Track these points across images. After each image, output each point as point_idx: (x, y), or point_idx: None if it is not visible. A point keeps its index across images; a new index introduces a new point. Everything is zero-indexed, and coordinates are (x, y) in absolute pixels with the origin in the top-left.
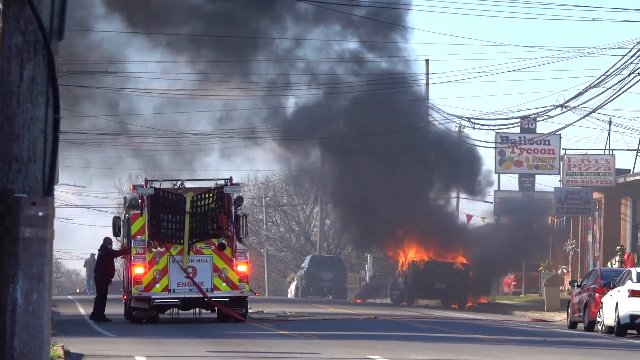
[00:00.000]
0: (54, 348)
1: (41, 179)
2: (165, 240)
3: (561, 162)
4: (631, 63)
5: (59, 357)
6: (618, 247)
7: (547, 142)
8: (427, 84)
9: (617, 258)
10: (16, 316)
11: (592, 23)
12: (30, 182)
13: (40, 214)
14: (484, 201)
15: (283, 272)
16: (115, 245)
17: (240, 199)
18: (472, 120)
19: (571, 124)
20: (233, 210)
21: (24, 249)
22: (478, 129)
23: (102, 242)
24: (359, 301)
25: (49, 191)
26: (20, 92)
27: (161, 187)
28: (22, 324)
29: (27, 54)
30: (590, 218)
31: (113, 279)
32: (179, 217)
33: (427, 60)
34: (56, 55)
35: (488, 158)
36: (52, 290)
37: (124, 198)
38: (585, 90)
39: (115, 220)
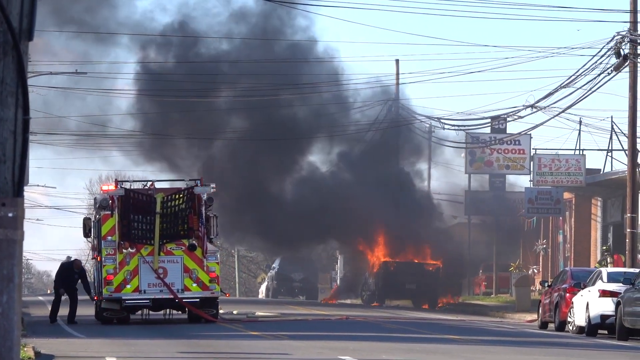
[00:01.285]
0: (25, 349)
1: (11, 179)
2: (136, 241)
3: (531, 162)
4: (601, 63)
5: (29, 358)
6: (605, 247)
7: (517, 142)
8: (397, 84)
9: (609, 260)
10: None
11: (561, 23)
12: (0, 183)
13: (10, 215)
14: (457, 202)
15: (254, 272)
16: (86, 246)
17: (210, 200)
18: (442, 120)
19: (541, 124)
20: (203, 211)
21: None
22: (448, 129)
23: (74, 259)
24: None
25: (18, 192)
26: None
27: (131, 187)
28: None
29: None
30: (560, 218)
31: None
32: (150, 217)
33: (397, 61)
34: (26, 56)
35: (458, 158)
36: (22, 291)
37: (95, 199)
38: (556, 90)
39: (86, 221)
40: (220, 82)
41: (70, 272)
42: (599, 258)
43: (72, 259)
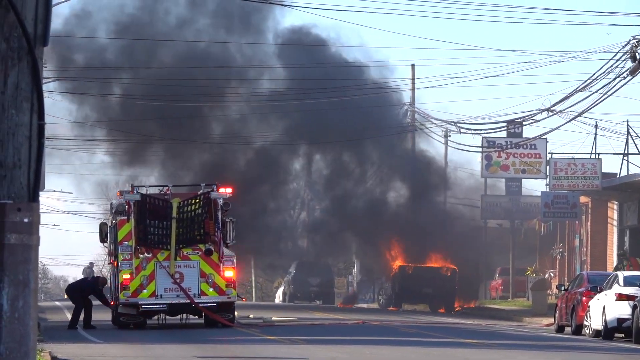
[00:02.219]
0: (42, 354)
1: (26, 185)
2: (152, 246)
3: (547, 166)
4: (616, 67)
5: None
6: (621, 252)
7: (533, 147)
8: (413, 88)
9: (624, 263)
10: (2, 322)
11: (576, 27)
12: (16, 188)
13: (26, 220)
14: (473, 206)
15: (271, 277)
16: (103, 251)
17: (226, 205)
18: (458, 124)
19: (557, 128)
20: (220, 216)
21: (9, 255)
22: (464, 133)
23: (96, 276)
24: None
25: (34, 197)
26: (5, 98)
27: (147, 192)
28: (8, 330)
29: (12, 60)
30: (577, 222)
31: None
32: (166, 222)
33: (412, 65)
34: (40, 62)
35: (475, 162)
36: (38, 296)
37: (111, 204)
38: (571, 94)
39: (102, 227)
40: (236, 86)
41: (93, 288)
42: (615, 262)
43: (96, 275)
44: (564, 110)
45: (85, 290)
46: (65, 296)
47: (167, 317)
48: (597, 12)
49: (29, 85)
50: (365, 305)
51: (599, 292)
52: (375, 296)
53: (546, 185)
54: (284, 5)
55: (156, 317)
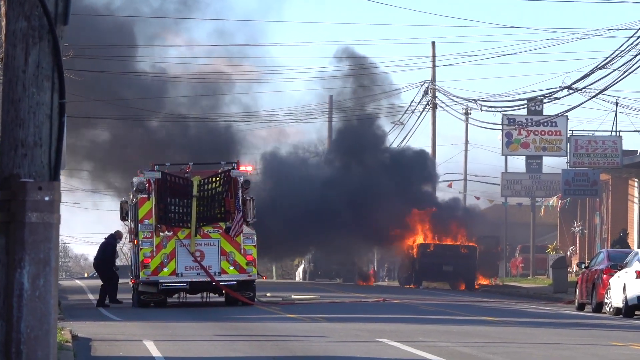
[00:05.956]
0: (62, 332)
1: (47, 163)
2: (173, 224)
3: (568, 144)
4: (638, 44)
5: (66, 341)
6: (622, 229)
7: (554, 124)
8: (434, 66)
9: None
10: (23, 301)
11: (598, 4)
12: (36, 167)
13: (47, 198)
14: (492, 183)
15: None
16: (123, 229)
17: (247, 182)
18: (479, 102)
19: (578, 105)
20: (240, 194)
21: (30, 234)
22: (485, 111)
23: (112, 232)
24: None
25: (55, 176)
26: (26, 77)
27: (168, 170)
28: (29, 308)
29: (32, 39)
30: (597, 199)
31: (119, 264)
32: (186, 200)
33: (433, 43)
34: (61, 40)
35: (495, 140)
36: (59, 275)
37: (131, 182)
38: (592, 71)
39: (123, 205)
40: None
41: (113, 245)
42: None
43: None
44: (584, 87)
45: (107, 259)
46: (86, 274)
47: (188, 295)
48: None
49: (50, 64)
50: (385, 283)
51: (620, 270)
52: (395, 274)
53: (567, 162)
54: None
55: (176, 295)
